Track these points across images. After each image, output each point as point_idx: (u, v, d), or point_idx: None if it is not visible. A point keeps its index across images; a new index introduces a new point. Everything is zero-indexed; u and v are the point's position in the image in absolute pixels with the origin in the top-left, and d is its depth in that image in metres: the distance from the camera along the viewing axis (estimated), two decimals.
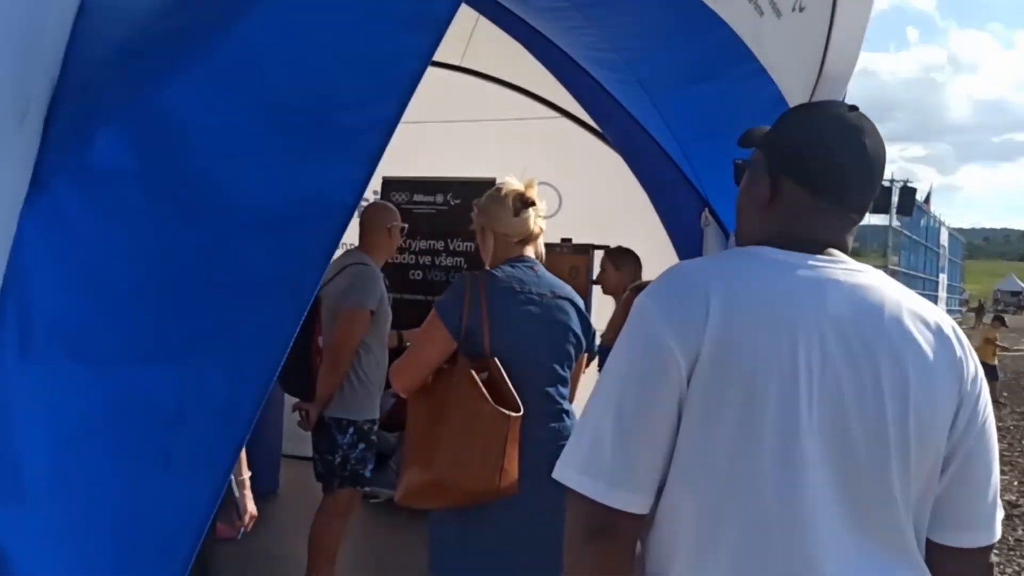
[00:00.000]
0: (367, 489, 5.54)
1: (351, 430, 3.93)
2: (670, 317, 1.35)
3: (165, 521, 1.36)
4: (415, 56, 1.51)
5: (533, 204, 2.79)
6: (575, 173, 5.61)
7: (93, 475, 1.36)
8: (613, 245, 5.18)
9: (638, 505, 1.36)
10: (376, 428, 4.13)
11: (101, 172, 1.42)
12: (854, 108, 1.49)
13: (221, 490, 1.38)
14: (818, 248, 1.44)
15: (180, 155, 1.45)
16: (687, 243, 4.71)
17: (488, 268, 2.76)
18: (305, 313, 1.45)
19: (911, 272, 30.35)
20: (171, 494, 1.37)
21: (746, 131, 1.60)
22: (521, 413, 2.52)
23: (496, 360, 2.58)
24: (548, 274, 2.79)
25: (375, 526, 5.49)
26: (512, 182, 2.83)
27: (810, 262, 1.41)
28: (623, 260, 5.03)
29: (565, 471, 1.38)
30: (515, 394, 2.55)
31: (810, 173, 1.46)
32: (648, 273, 4.94)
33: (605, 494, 1.34)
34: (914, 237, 32.13)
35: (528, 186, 2.81)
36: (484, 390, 2.52)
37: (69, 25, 1.53)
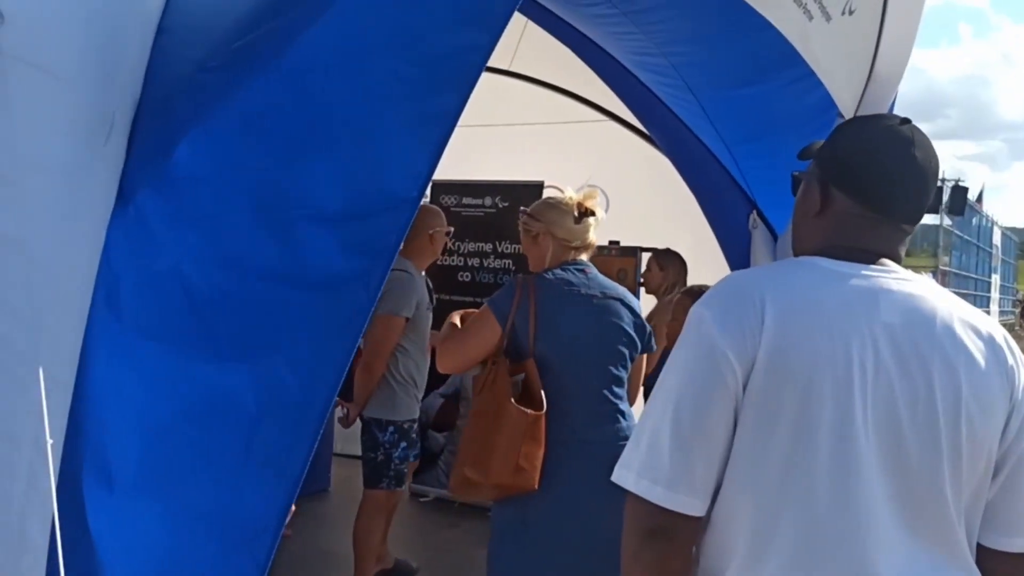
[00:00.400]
0: (413, 487, 5.65)
1: (391, 429, 4.04)
2: (726, 326, 1.39)
3: (248, 514, 1.44)
4: (476, 50, 1.58)
5: (593, 214, 2.85)
6: (623, 176, 5.62)
7: (179, 468, 1.44)
8: (661, 247, 5.21)
9: (695, 508, 1.40)
10: (417, 427, 4.22)
11: (177, 181, 1.50)
12: (906, 121, 1.52)
13: (298, 485, 1.45)
14: (871, 258, 1.48)
15: (249, 160, 1.53)
16: (735, 245, 4.70)
17: (538, 272, 2.81)
18: (373, 307, 1.52)
19: (963, 273, 29.71)
20: (253, 488, 1.44)
21: (806, 145, 1.63)
22: (542, 412, 2.58)
23: (533, 361, 2.64)
24: (600, 276, 2.83)
25: (423, 524, 5.57)
26: (571, 192, 2.90)
27: (863, 272, 1.45)
28: (667, 260, 5.06)
29: (624, 474, 1.43)
30: (542, 395, 2.61)
31: (858, 184, 1.49)
32: (696, 276, 4.95)
33: (663, 497, 1.38)
34: (965, 237, 31.43)
35: (588, 196, 2.87)
36: (509, 390, 2.59)
37: (149, 46, 1.61)
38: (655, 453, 1.40)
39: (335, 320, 1.50)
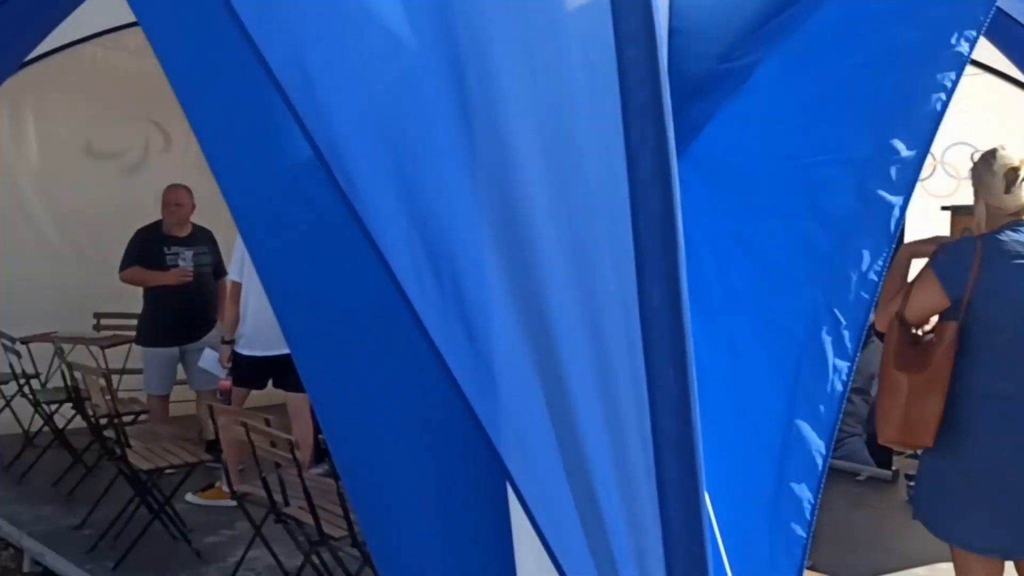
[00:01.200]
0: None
1: None
2: None
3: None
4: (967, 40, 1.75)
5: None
6: (1002, 132, 5.36)
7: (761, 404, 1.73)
8: None
9: None
10: None
11: (711, 152, 1.81)
12: None
13: (838, 419, 1.71)
14: None
15: (769, 126, 1.81)
16: None
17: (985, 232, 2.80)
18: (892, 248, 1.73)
19: None
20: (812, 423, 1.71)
21: None
22: (923, 372, 2.64)
23: (954, 324, 2.67)
24: None
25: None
26: (1007, 155, 2.81)
27: None
28: None
29: None
30: (941, 355, 2.65)
31: None
32: None
33: None
34: None
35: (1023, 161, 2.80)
36: (894, 353, 2.71)
37: (665, 46, 1.93)
38: None
39: (856, 258, 1.72)
